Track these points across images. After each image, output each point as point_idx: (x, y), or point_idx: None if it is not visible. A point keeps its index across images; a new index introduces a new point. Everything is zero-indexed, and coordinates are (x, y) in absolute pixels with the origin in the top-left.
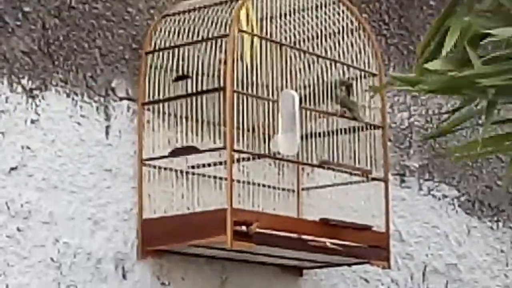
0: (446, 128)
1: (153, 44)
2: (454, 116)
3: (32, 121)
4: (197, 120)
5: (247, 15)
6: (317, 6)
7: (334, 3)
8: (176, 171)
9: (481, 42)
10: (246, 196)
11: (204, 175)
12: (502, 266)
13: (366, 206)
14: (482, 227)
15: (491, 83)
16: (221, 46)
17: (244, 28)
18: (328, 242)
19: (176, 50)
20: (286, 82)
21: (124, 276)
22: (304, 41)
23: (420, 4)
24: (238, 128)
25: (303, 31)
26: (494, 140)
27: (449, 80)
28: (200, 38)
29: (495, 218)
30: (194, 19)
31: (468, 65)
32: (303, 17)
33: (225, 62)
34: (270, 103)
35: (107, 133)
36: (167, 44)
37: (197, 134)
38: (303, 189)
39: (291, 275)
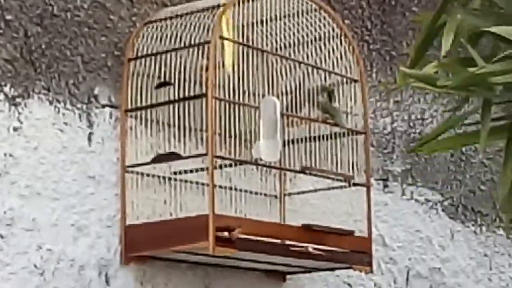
0: (430, 136)
1: (135, 51)
2: (441, 122)
3: (15, 129)
4: (179, 127)
5: (228, 21)
6: (298, 13)
7: (315, 10)
8: (159, 177)
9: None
10: (228, 202)
11: (186, 181)
12: (485, 270)
13: (348, 211)
14: (465, 231)
15: (504, 81)
16: (203, 52)
17: (225, 35)
18: (310, 247)
19: (159, 56)
20: (268, 88)
21: (107, 282)
22: (285, 47)
23: (403, 10)
24: (220, 134)
25: (284, 37)
26: (465, 137)
27: (470, 77)
28: (182, 44)
29: (479, 222)
30: (176, 26)
31: (467, 63)
32: (285, 23)
33: (207, 69)
34: (252, 110)
35: (90, 140)
36: (150, 51)
37: (179, 141)
38: (285, 194)
39: (275, 280)
